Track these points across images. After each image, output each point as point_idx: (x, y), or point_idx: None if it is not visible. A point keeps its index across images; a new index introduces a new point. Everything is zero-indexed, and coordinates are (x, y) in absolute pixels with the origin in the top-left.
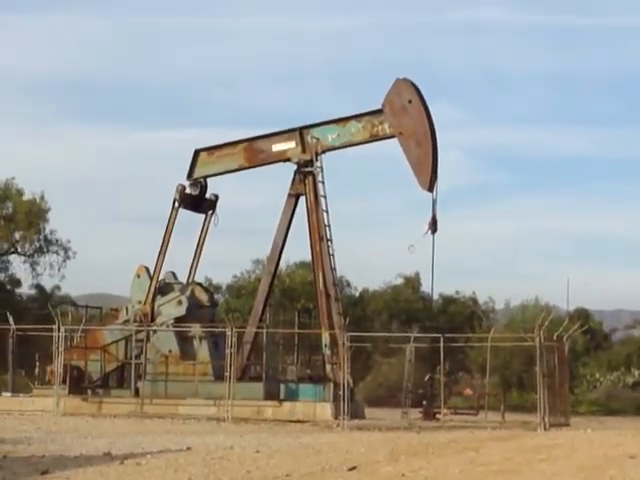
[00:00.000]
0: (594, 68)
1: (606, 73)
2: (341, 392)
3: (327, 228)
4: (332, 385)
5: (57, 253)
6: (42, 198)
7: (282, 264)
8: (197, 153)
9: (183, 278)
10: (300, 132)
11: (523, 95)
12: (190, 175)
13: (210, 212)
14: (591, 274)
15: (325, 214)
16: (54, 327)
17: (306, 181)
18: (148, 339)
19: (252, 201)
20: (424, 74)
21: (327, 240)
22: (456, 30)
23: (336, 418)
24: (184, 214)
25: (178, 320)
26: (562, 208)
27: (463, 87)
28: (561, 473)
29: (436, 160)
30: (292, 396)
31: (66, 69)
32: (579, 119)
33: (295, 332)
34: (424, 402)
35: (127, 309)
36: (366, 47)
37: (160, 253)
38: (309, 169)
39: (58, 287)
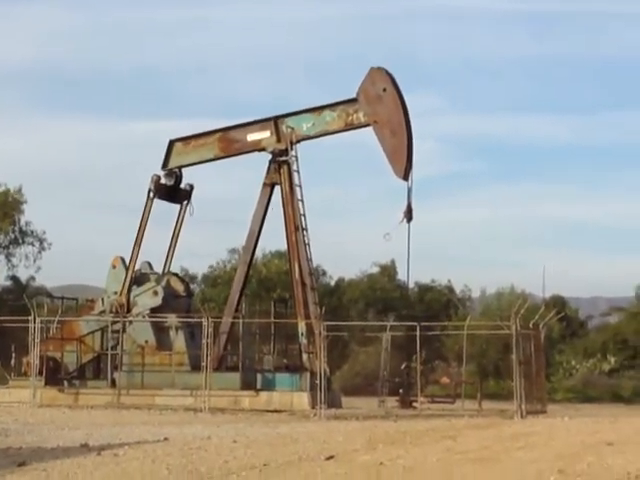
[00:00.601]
0: (573, 55)
1: (585, 60)
2: (318, 381)
3: (302, 217)
4: (309, 374)
5: (32, 244)
6: (19, 190)
7: (258, 253)
8: (172, 143)
9: (159, 268)
10: (275, 121)
11: (501, 83)
12: (165, 165)
13: (185, 202)
14: (568, 261)
15: (300, 203)
16: (30, 318)
17: (281, 170)
18: (124, 330)
19: (227, 190)
20: (402, 62)
21: (303, 229)
22: (435, 17)
23: (313, 407)
24: (160, 204)
25: (154, 310)
26: (539, 196)
27: (442, 75)
28: (539, 460)
29: (411, 148)
30: (269, 386)
31: (44, 60)
32: (557, 106)
33: (271, 322)
34: (401, 390)
35: (103, 300)
36: (343, 36)
37: (135, 243)
38: (284, 158)
39: (33, 278)
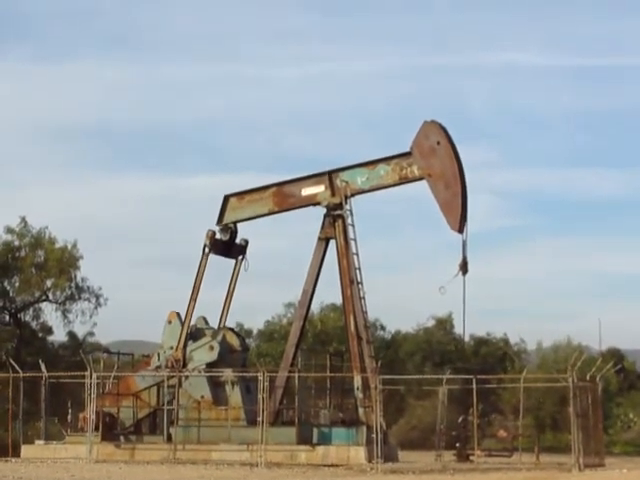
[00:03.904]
0: (627, 108)
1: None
2: (374, 435)
3: (357, 271)
4: (365, 428)
5: (89, 300)
6: (74, 246)
7: (314, 307)
8: (227, 199)
9: (215, 323)
10: (329, 176)
11: (555, 137)
12: (220, 221)
13: (240, 257)
14: (624, 314)
15: (355, 257)
16: (86, 374)
17: (336, 224)
18: (180, 385)
19: (282, 245)
20: (455, 116)
21: (358, 283)
22: (487, 72)
23: (370, 461)
24: (215, 259)
25: (210, 365)
26: (594, 249)
27: (494, 129)
28: None
29: (465, 201)
30: (325, 440)
31: (99, 116)
32: (610, 161)
33: (327, 376)
34: (458, 444)
35: (159, 355)
36: (395, 90)
37: (191, 299)
38: (339, 212)
39: (90, 334)
